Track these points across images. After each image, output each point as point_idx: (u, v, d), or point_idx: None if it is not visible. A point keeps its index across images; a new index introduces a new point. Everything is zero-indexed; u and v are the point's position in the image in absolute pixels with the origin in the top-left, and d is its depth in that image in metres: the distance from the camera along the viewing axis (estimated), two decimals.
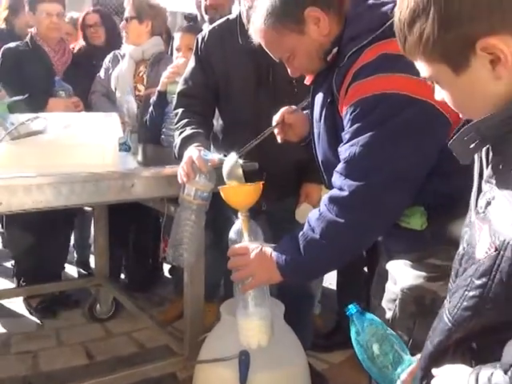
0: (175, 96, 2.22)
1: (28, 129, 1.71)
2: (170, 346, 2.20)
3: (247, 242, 1.40)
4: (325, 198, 1.25)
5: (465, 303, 0.73)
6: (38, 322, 2.77)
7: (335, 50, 1.27)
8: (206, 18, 2.99)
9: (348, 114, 1.20)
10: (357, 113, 1.18)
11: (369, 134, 1.15)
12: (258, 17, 1.32)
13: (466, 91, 0.73)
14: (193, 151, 1.67)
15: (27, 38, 2.79)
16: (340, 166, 1.22)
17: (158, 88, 2.50)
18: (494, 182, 0.74)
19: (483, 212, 0.74)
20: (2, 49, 2.73)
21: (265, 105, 1.91)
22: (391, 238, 1.32)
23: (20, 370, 2.32)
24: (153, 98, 2.52)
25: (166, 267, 3.48)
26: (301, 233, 1.26)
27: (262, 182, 1.47)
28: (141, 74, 2.74)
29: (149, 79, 2.70)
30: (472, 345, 0.77)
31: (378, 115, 1.16)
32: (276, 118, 1.61)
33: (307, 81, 1.44)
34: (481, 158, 0.80)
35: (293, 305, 1.87)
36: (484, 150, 0.78)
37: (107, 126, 1.85)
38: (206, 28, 2.11)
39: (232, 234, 1.47)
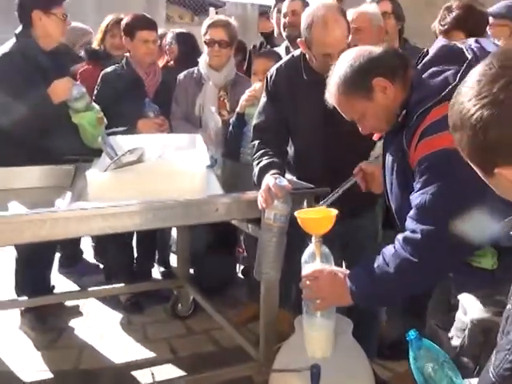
0: (253, 119, 2.45)
1: (129, 158, 1.96)
2: (245, 349, 2.41)
3: (319, 265, 1.57)
4: (399, 237, 1.41)
5: (506, 365, 0.87)
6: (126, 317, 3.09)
7: (404, 111, 1.43)
8: (284, 35, 3.17)
9: (418, 167, 1.36)
10: (426, 166, 1.34)
11: (437, 184, 1.31)
12: (332, 83, 1.53)
13: (497, 188, 0.87)
14: (269, 179, 1.88)
15: (123, 62, 2.98)
16: (412, 212, 1.38)
17: (237, 110, 2.72)
18: None
19: None
20: (102, 73, 2.96)
21: (332, 134, 2.08)
22: (462, 275, 1.45)
23: (112, 360, 2.64)
24: (232, 119, 2.74)
25: (239, 268, 3.72)
26: (376, 265, 1.43)
27: (336, 212, 1.62)
28: (222, 99, 2.90)
29: (230, 104, 2.88)
30: None
31: (445, 168, 1.31)
32: (356, 172, 1.80)
33: (375, 137, 1.63)
34: None
35: (360, 321, 2.03)
36: None
37: (196, 155, 2.09)
38: (280, 58, 2.29)
39: (305, 256, 1.63)
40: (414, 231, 1.35)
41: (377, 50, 1.52)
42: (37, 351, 2.69)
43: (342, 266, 2.05)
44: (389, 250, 1.41)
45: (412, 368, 1.19)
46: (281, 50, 3.21)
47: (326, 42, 2.01)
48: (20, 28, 2.63)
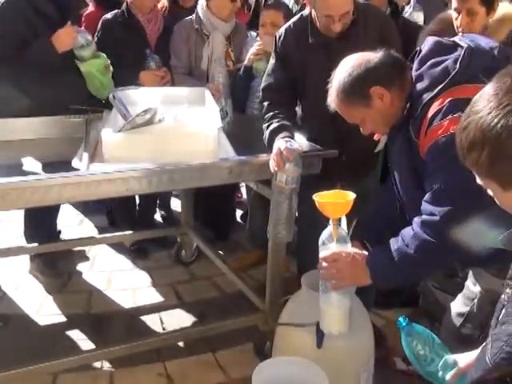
0: (260, 73, 2.48)
1: (143, 119, 1.98)
2: (249, 298, 2.55)
3: (336, 248, 1.61)
4: (417, 221, 1.47)
5: (502, 355, 0.98)
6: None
7: (408, 105, 1.50)
8: None
9: (429, 154, 1.42)
10: (436, 151, 1.39)
11: (448, 168, 1.36)
12: (332, 91, 1.61)
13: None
14: (280, 143, 1.93)
15: (123, 7, 2.89)
16: (428, 196, 1.44)
17: (245, 63, 2.71)
18: None
19: None
20: (102, 19, 2.88)
21: None
22: (473, 253, 1.53)
23: (121, 305, 2.77)
24: (239, 72, 2.73)
25: (238, 213, 3.82)
26: (395, 247, 1.50)
27: (353, 197, 1.62)
28: (226, 49, 2.85)
29: (235, 54, 2.85)
30: (507, 380, 1.03)
31: (454, 152, 1.35)
32: None
33: (376, 137, 1.71)
34: None
35: None
36: None
37: (208, 114, 2.11)
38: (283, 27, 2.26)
39: (323, 238, 1.65)
40: (431, 213, 1.42)
41: (374, 57, 1.56)
42: (48, 295, 2.81)
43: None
44: (407, 232, 1.48)
45: (406, 352, 1.30)
46: None
47: (327, 4, 2.02)
48: None
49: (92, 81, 2.59)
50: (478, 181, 0.97)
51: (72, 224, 3.63)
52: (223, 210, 3.49)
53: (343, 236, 1.61)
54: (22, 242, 2.99)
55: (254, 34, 2.93)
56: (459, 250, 1.43)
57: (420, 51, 1.58)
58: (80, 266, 3.12)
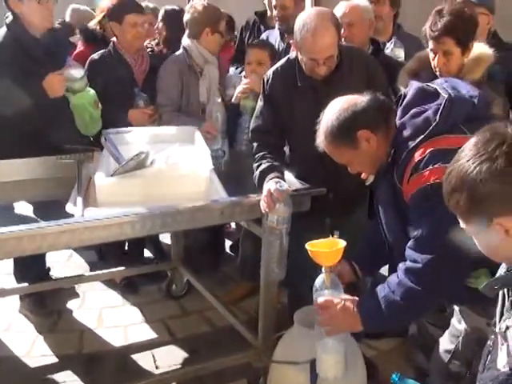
0: (247, 110, 2.55)
1: (135, 163, 2.02)
2: (242, 334, 2.56)
3: (328, 294, 1.66)
4: (401, 267, 1.53)
5: None
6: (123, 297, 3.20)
7: (392, 150, 1.57)
8: (277, 26, 3.20)
9: (412, 200, 1.49)
10: (419, 200, 1.46)
11: (432, 215, 1.43)
12: (321, 133, 1.68)
13: (489, 244, 1.03)
14: (270, 184, 2.00)
15: (110, 47, 2.92)
16: (411, 243, 1.50)
17: (233, 101, 2.78)
18: (511, 313, 1.02)
19: (504, 332, 1.02)
20: (89, 60, 2.90)
21: None
22: (459, 293, 1.59)
23: (112, 344, 2.75)
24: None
25: (228, 243, 3.85)
26: (382, 294, 1.55)
27: (344, 245, 1.69)
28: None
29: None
30: None
31: (438, 200, 1.42)
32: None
33: (364, 176, 1.77)
34: (503, 291, 1.09)
35: None
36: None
37: (199, 156, 2.16)
38: (271, 70, 2.33)
39: (316, 285, 1.71)
40: (414, 261, 1.48)
41: (361, 101, 1.63)
42: (39, 335, 2.79)
43: None
44: (393, 279, 1.53)
45: None
46: (275, 35, 3.23)
47: (312, 48, 2.08)
48: (10, 16, 2.58)
49: (82, 115, 2.61)
50: (462, 225, 1.05)
51: (61, 259, 3.61)
52: (213, 240, 3.52)
53: (336, 283, 1.66)
54: (11, 280, 2.97)
55: (234, 69, 3.01)
56: (444, 295, 1.48)
57: (404, 96, 1.64)
58: (70, 304, 3.11)
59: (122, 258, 3.23)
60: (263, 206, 1.98)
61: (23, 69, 2.48)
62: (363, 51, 2.46)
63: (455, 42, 2.17)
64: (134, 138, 2.43)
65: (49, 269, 3.16)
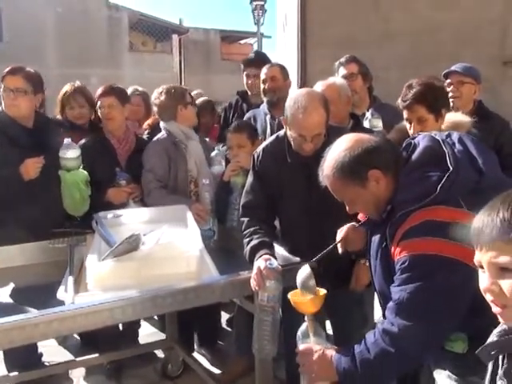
0: (237, 186, 2.61)
1: (126, 246, 2.04)
2: None
3: (312, 342, 1.66)
4: (379, 327, 1.54)
5: None
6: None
7: (389, 207, 1.58)
8: (265, 100, 3.33)
9: (398, 265, 1.51)
10: (405, 266, 1.48)
11: (413, 285, 1.46)
12: (327, 166, 1.64)
13: None
14: (260, 262, 2.02)
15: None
16: (391, 305, 1.52)
17: (224, 178, 2.85)
18: (505, 381, 1.01)
19: None
20: (78, 145, 2.87)
21: (315, 210, 2.26)
22: (436, 357, 1.59)
23: None
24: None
25: (225, 316, 3.80)
26: (358, 350, 1.54)
27: (325, 292, 1.74)
28: None
29: None
30: None
31: (422, 271, 1.47)
32: (341, 234, 1.94)
33: (361, 217, 1.77)
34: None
35: None
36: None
37: (189, 236, 2.19)
38: (261, 147, 2.42)
39: (299, 333, 1.72)
40: (392, 324, 1.49)
41: (373, 140, 1.62)
42: None
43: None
44: (370, 337, 1.54)
45: None
46: (261, 111, 3.36)
47: (301, 125, 2.17)
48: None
49: (72, 193, 2.66)
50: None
51: (53, 343, 3.54)
52: (208, 316, 3.47)
53: (318, 331, 1.66)
54: (2, 368, 2.91)
55: (221, 147, 3.11)
56: (420, 360, 1.48)
57: (414, 145, 1.63)
58: None
59: (116, 342, 3.16)
60: (253, 284, 2.00)
61: (6, 156, 2.56)
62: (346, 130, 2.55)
63: (427, 109, 2.28)
64: (126, 220, 2.47)
65: (41, 354, 3.09)
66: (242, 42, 22.81)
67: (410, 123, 2.34)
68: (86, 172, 2.68)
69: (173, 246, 2.11)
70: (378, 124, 3.00)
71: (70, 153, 2.60)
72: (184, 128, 2.97)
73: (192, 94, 4.88)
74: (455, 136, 1.64)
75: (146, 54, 22.26)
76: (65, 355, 3.34)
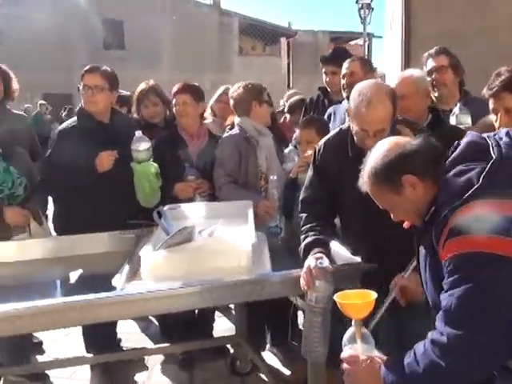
0: (303, 184, 2.54)
1: (179, 237, 2.07)
2: None
3: (359, 349, 1.56)
4: (429, 337, 1.40)
5: None
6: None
7: (433, 208, 1.44)
8: (345, 95, 3.23)
9: (445, 267, 1.37)
10: (451, 268, 1.34)
11: (462, 287, 1.31)
12: (365, 172, 1.58)
13: None
14: (311, 261, 1.95)
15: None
16: (440, 314, 1.38)
17: (291, 175, 2.81)
18: None
19: None
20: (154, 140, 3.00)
21: (376, 206, 2.08)
22: (501, 378, 1.41)
23: None
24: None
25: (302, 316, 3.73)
26: (407, 361, 1.42)
27: (375, 296, 1.62)
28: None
29: None
30: None
31: (471, 271, 1.30)
32: (394, 290, 1.87)
33: (405, 225, 1.64)
34: None
35: None
36: None
37: (244, 231, 2.17)
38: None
39: (345, 339, 1.62)
40: (441, 334, 1.35)
41: (411, 144, 1.53)
42: None
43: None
44: (419, 349, 1.41)
45: None
46: (342, 108, 3.25)
47: (364, 119, 2.06)
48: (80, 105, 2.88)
49: (143, 184, 2.75)
50: None
51: (135, 329, 3.71)
52: (280, 314, 3.42)
53: (366, 336, 1.54)
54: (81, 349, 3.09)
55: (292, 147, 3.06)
56: (472, 375, 1.32)
57: (457, 145, 1.52)
58: (138, 376, 3.14)
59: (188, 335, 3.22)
60: (302, 283, 1.93)
61: (83, 150, 2.69)
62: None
63: None
64: (189, 213, 2.51)
65: (120, 340, 3.25)
66: (352, 42, 22.50)
67: (497, 114, 2.11)
68: (156, 164, 2.76)
69: (225, 240, 2.10)
70: (467, 120, 2.76)
71: (141, 145, 2.69)
72: (256, 125, 2.97)
73: (288, 93, 4.96)
74: (503, 131, 1.50)
75: (255, 57, 22.81)
76: (144, 343, 3.48)
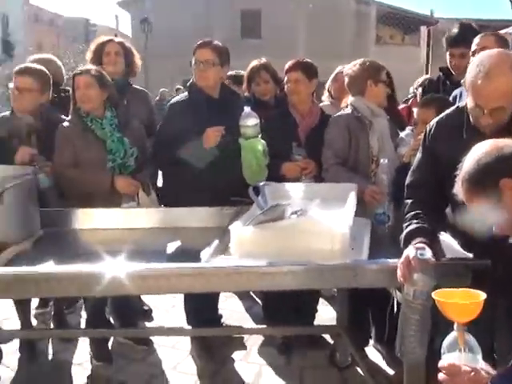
0: None
1: (271, 215, 1.98)
2: None
3: (463, 358, 1.35)
4: None
5: None
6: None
7: None
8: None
9: None
10: None
11: None
12: (459, 178, 1.47)
13: None
14: (410, 250, 1.74)
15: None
16: None
17: (404, 159, 2.60)
18: None
19: None
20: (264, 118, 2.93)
21: None
22: None
23: None
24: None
25: None
26: None
27: (484, 297, 1.39)
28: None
29: None
30: None
31: None
32: None
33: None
34: None
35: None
36: None
37: (341, 214, 2.02)
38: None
39: (445, 346, 1.39)
40: None
41: (510, 147, 1.37)
42: (198, 380, 2.88)
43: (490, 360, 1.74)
44: None
45: None
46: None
47: (479, 93, 1.79)
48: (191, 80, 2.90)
49: (250, 161, 2.70)
50: None
51: (239, 309, 3.73)
52: (386, 307, 3.20)
53: (471, 345, 1.31)
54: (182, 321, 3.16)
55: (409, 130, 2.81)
56: None
57: None
58: (236, 354, 3.14)
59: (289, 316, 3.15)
60: (398, 274, 1.73)
61: (191, 125, 2.72)
62: None
63: None
64: (290, 193, 2.40)
65: (221, 316, 3.27)
66: (503, 31, 20.59)
67: None
68: (263, 141, 2.70)
69: (318, 221, 1.96)
70: None
71: (249, 121, 2.64)
72: (370, 104, 2.79)
73: (418, 80, 4.64)
74: None
75: (393, 46, 21.91)
76: (245, 322, 3.47)
